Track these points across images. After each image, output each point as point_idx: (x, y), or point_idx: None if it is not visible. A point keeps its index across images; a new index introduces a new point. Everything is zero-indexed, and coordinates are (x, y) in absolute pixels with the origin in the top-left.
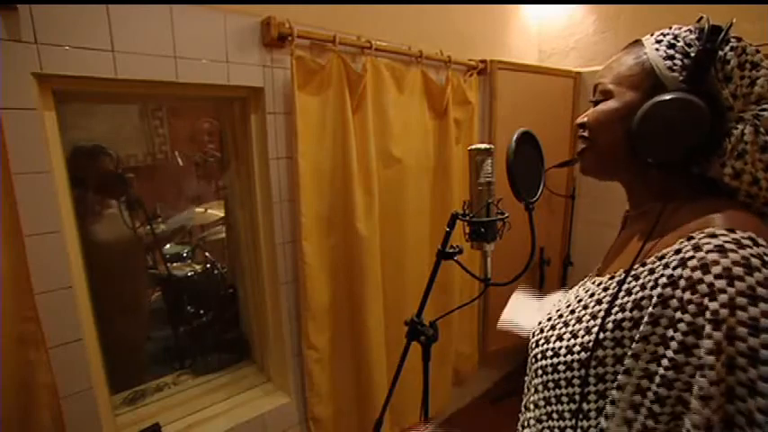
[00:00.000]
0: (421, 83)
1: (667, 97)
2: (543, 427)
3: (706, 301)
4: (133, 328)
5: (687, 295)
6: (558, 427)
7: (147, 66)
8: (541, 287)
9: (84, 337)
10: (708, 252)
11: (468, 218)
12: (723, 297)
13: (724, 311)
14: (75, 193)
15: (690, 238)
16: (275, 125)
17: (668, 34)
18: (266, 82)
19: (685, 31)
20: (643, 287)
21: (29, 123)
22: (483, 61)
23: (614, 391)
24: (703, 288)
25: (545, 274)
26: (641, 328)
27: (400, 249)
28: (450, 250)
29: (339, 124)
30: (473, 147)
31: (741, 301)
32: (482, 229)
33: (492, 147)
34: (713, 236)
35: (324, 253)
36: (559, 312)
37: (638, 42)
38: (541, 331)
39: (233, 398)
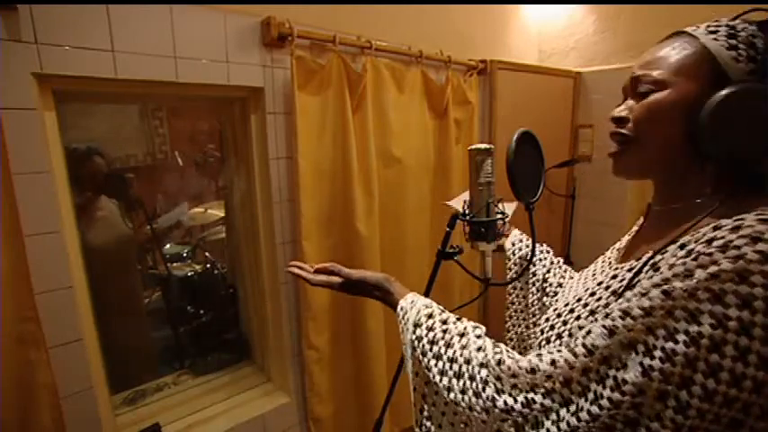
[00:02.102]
0: (421, 83)
1: (751, 87)
2: None
3: (712, 250)
4: (132, 328)
5: (700, 247)
6: None
7: (147, 66)
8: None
9: (84, 337)
10: (748, 219)
11: (468, 218)
12: (733, 252)
13: (723, 258)
14: (73, 194)
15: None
16: (275, 125)
17: (722, 25)
18: (266, 82)
19: (742, 23)
20: (671, 256)
21: (29, 123)
22: (483, 61)
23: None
24: (719, 243)
25: None
26: None
27: (400, 249)
28: (450, 250)
29: (339, 124)
30: (473, 147)
31: (752, 255)
32: (482, 229)
33: (492, 147)
34: (760, 213)
35: (324, 253)
36: (577, 297)
37: (681, 33)
38: (558, 316)
39: (233, 398)
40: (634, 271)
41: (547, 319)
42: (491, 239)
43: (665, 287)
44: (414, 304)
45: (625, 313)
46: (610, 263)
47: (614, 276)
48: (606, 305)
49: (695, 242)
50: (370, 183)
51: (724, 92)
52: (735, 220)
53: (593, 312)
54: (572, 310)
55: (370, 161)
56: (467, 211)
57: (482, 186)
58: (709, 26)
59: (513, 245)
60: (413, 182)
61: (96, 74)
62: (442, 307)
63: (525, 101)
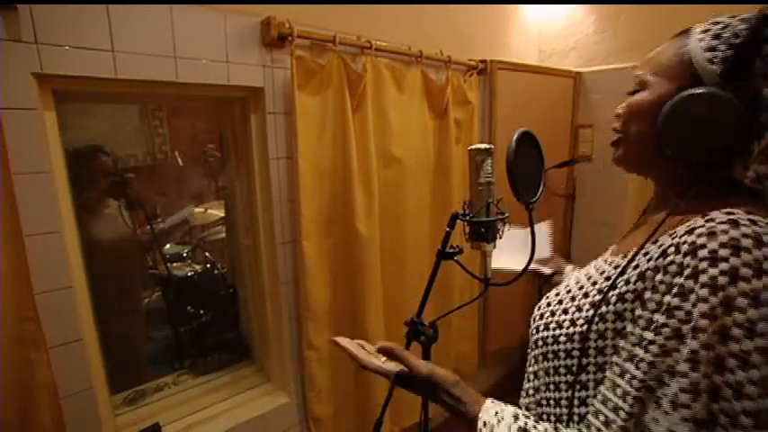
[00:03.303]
0: (421, 83)
1: (696, 92)
2: (541, 398)
3: (704, 265)
4: (132, 328)
5: (687, 260)
6: (554, 398)
7: (147, 66)
8: (541, 287)
9: (84, 337)
10: (719, 223)
11: (468, 218)
12: (724, 265)
13: (723, 279)
14: (74, 193)
15: (704, 216)
16: (275, 125)
17: (719, 23)
18: (266, 82)
19: (738, 21)
20: (649, 260)
21: (29, 123)
22: (483, 61)
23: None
24: (704, 253)
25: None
26: (643, 297)
27: (400, 249)
28: (450, 250)
29: (339, 124)
30: (473, 147)
31: (745, 272)
32: (482, 229)
33: (492, 147)
34: (729, 213)
35: (324, 253)
36: (568, 289)
37: (687, 31)
38: (548, 305)
39: (233, 398)
40: (618, 270)
41: (538, 307)
42: (491, 239)
43: (707, 311)
44: (502, 421)
45: (693, 360)
46: (604, 257)
47: (602, 272)
48: (593, 304)
49: (675, 252)
50: (370, 183)
51: (677, 96)
52: (706, 220)
53: (579, 309)
54: (560, 301)
55: (370, 161)
56: (467, 211)
57: (482, 186)
58: (707, 23)
59: None
60: (413, 182)
61: (96, 74)
62: (533, 419)
63: (525, 101)
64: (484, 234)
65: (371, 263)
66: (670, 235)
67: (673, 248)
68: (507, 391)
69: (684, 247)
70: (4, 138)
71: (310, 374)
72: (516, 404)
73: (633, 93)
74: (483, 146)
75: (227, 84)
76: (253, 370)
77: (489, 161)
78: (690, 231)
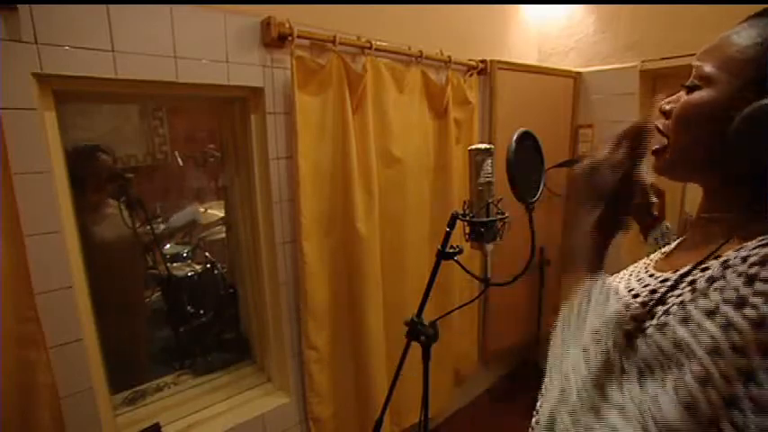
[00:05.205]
0: (421, 83)
1: None
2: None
3: None
4: (133, 328)
5: (755, 270)
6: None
7: (147, 66)
8: (541, 287)
9: (84, 337)
10: None
11: (468, 218)
12: None
13: None
14: (74, 193)
15: None
16: (275, 125)
17: None
18: (266, 82)
19: None
20: (710, 277)
21: (29, 123)
22: (483, 61)
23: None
24: None
25: (545, 274)
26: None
27: (400, 249)
28: (451, 250)
29: (339, 124)
30: (473, 147)
31: None
32: (482, 230)
33: (492, 147)
34: None
35: (324, 253)
36: None
37: (765, 13)
38: None
39: (233, 398)
40: (668, 284)
41: None
42: (491, 239)
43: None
44: None
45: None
46: (646, 269)
47: (646, 285)
48: (633, 317)
49: (742, 262)
50: (371, 183)
51: (759, 104)
52: None
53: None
54: None
55: (370, 161)
56: (467, 211)
57: (482, 186)
58: None
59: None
60: (413, 182)
61: (96, 74)
62: None
63: (525, 101)
64: (484, 234)
65: (371, 263)
66: (736, 251)
67: (740, 260)
68: (507, 391)
69: (753, 258)
70: (4, 138)
71: (310, 374)
72: (514, 406)
73: (690, 88)
74: (483, 146)
75: (228, 84)
76: (253, 370)
77: (489, 161)
78: (765, 245)
